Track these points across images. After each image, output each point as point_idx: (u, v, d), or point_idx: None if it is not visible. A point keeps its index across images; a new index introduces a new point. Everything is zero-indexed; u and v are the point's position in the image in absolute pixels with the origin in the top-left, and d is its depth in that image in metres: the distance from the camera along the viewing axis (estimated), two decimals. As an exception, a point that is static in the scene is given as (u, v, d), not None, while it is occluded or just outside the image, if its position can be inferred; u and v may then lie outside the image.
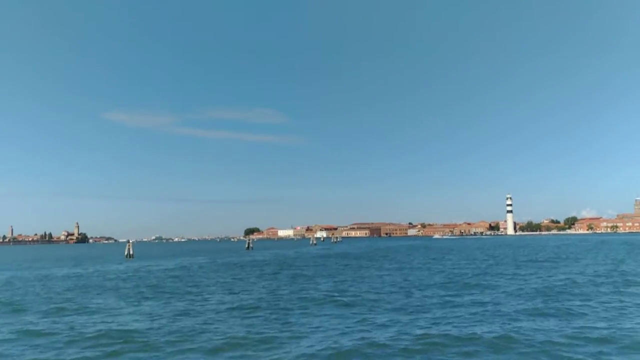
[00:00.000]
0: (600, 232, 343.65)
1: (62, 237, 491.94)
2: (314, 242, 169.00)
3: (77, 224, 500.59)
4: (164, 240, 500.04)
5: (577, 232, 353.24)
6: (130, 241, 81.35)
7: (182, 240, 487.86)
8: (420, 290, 31.01)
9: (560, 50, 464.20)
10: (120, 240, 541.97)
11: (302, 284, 36.48)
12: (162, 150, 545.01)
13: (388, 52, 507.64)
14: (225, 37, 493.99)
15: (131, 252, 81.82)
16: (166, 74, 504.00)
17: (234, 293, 31.89)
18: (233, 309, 24.54)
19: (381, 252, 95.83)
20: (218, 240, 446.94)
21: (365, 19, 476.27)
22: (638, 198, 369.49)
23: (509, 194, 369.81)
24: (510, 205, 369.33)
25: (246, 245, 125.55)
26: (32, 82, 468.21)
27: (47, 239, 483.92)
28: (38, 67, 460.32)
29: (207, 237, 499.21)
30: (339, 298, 27.71)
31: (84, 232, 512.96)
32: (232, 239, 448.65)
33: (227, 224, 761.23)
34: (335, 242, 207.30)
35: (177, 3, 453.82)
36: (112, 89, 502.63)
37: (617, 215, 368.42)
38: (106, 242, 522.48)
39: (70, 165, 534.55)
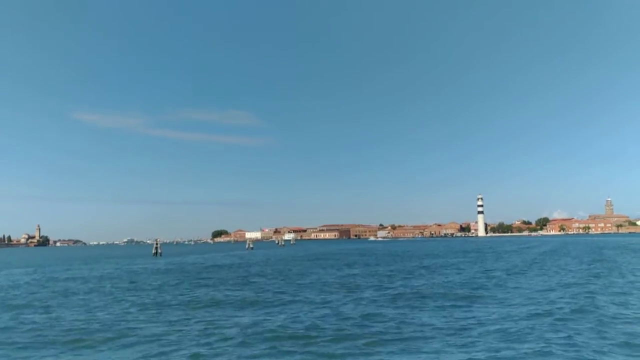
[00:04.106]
0: (572, 233, 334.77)
1: (23, 240, 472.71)
2: (251, 246, 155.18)
3: (38, 226, 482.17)
4: (134, 243, 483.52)
5: (548, 233, 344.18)
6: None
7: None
8: None
9: (532, 46, 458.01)
10: (91, 243, 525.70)
11: None
12: (134, 151, 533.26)
13: (364, 57, 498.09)
14: (198, 38, 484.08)
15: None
16: (139, 74, 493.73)
17: None
18: None
19: (297, 261, 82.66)
20: (192, 243, 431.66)
21: (342, 24, 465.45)
22: (609, 199, 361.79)
23: (480, 194, 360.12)
24: (482, 206, 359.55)
25: (153, 251, 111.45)
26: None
27: (5, 242, 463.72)
28: (6, 66, 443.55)
29: (179, 240, 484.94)
30: None
31: (46, 235, 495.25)
32: (191, 242, 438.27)
33: (199, 226, 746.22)
34: (282, 245, 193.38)
35: (150, 3, 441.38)
36: (84, 89, 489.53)
37: (589, 216, 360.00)
38: (73, 245, 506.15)
39: (38, 166, 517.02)
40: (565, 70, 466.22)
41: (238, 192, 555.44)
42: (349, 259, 77.86)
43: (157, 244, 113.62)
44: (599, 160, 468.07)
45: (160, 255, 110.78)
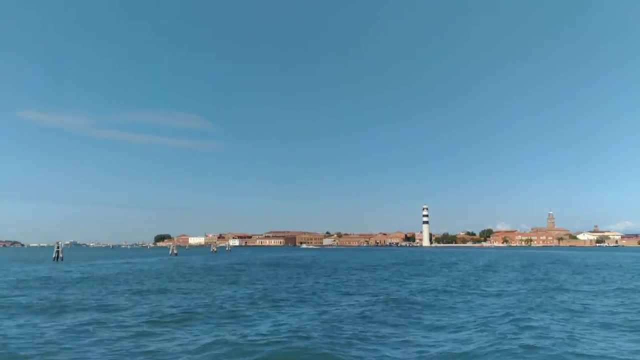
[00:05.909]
0: (515, 245, 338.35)
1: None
2: (174, 251, 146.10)
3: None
4: (69, 246, 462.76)
5: (492, 244, 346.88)
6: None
7: (100, 246, 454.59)
8: None
9: (480, 58, 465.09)
10: (31, 245, 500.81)
11: None
12: (79, 151, 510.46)
13: (313, 57, 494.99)
14: (148, 38, 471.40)
15: None
16: (88, 73, 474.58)
17: None
18: None
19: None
20: (128, 247, 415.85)
21: (292, 22, 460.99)
22: (551, 212, 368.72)
23: (425, 204, 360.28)
24: (427, 216, 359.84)
25: (54, 255, 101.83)
26: None
27: None
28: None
29: (123, 244, 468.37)
30: None
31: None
32: (143, 245, 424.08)
33: (145, 230, 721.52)
34: (214, 251, 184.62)
35: (101, 1, 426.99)
36: (30, 86, 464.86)
37: (532, 229, 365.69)
38: (11, 246, 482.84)
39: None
40: (513, 86, 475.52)
41: (185, 197, 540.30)
42: (249, 269, 71.75)
43: (58, 248, 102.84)
44: (542, 175, 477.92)
45: (62, 260, 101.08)
